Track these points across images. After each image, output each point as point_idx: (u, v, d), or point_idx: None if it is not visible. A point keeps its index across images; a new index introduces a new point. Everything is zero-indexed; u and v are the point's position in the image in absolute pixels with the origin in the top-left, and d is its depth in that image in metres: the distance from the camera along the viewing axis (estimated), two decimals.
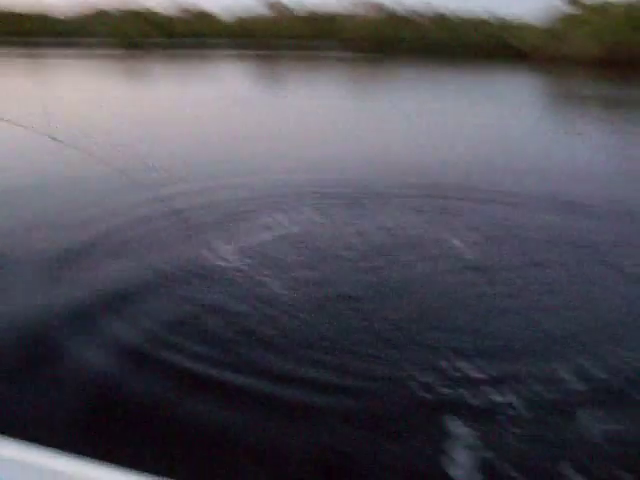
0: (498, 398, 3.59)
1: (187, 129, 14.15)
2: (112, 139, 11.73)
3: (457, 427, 3.32)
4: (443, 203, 8.04)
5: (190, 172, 9.46)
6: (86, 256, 5.84)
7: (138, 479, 1.17)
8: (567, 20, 58.45)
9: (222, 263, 5.65)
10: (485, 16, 74.71)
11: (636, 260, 6.03)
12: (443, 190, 8.68)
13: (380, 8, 77.96)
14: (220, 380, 3.79)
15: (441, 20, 75.77)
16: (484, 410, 3.48)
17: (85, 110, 16.95)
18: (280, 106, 20.43)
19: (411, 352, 4.16)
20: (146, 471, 1.20)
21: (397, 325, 4.56)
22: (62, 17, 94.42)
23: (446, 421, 3.37)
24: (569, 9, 58.29)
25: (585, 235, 6.75)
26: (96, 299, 4.93)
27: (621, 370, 3.94)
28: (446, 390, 3.69)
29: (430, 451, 3.17)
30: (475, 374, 3.86)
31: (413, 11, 77.71)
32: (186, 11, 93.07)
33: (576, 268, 5.77)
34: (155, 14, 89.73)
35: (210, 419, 3.44)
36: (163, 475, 1.24)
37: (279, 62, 45.69)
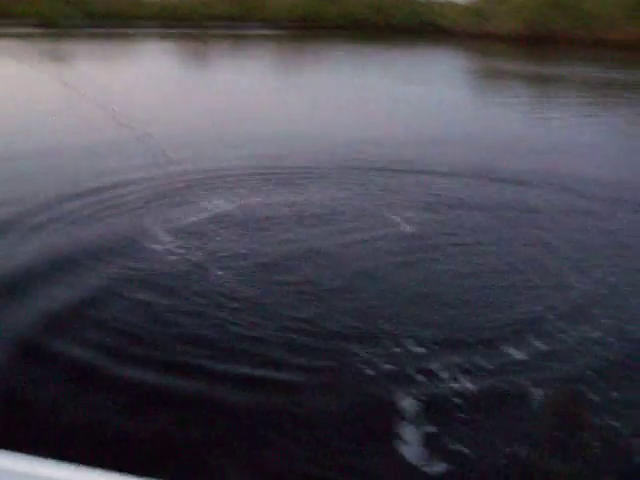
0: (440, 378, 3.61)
1: (111, 109, 13.84)
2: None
3: (408, 407, 3.35)
4: (378, 178, 8.19)
5: (117, 152, 9.33)
6: None
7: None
8: None
9: (153, 245, 5.60)
10: None
11: (572, 226, 6.44)
12: (376, 165, 8.85)
13: None
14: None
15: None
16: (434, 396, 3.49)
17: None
18: (204, 85, 20.22)
19: (351, 335, 4.15)
20: None
21: (334, 307, 4.55)
22: None
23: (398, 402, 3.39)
24: None
25: (518, 203, 7.12)
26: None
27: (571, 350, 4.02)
28: (391, 376, 3.67)
29: (380, 430, 3.20)
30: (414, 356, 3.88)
31: None
32: None
33: (512, 240, 5.99)
34: None
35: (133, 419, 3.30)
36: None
37: (204, 41, 44.89)
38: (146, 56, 32.64)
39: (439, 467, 2.95)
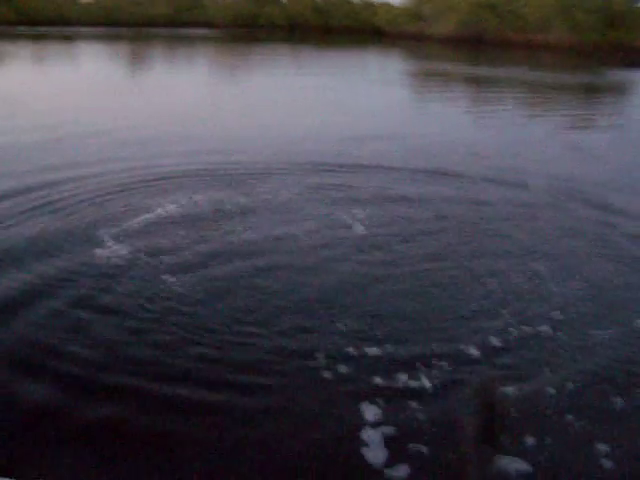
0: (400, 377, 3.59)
1: (44, 114, 13.35)
2: None
3: (368, 410, 3.31)
4: (324, 177, 8.18)
5: (54, 157, 8.95)
6: None
7: None
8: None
9: (101, 250, 5.38)
10: None
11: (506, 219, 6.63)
12: (321, 165, 8.83)
13: None
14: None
15: (306, 0, 76.21)
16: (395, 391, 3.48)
17: None
18: (138, 87, 19.78)
19: (299, 331, 4.12)
20: None
21: (286, 307, 4.49)
22: None
23: (357, 405, 3.35)
24: None
25: (457, 200, 7.27)
26: None
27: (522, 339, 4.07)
28: (346, 372, 3.66)
29: (342, 435, 3.14)
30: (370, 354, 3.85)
31: None
32: None
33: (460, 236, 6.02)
34: None
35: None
36: None
37: (139, 43, 44.04)
38: (78, 57, 31.72)
39: (401, 470, 2.92)
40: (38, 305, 4.38)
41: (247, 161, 8.98)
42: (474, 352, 3.93)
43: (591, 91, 22.16)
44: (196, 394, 3.48)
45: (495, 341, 4.06)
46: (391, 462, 2.96)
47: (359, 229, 6.19)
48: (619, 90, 22.93)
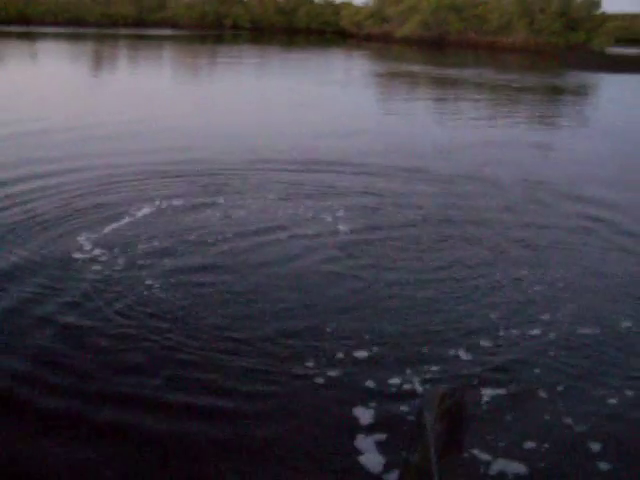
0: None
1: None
2: None
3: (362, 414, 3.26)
4: (299, 176, 8.15)
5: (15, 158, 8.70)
6: None
7: None
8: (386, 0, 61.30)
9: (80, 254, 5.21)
10: None
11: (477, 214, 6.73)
12: (291, 164, 8.82)
13: None
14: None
15: (269, 1, 76.03)
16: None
17: None
18: (101, 87, 19.41)
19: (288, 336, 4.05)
20: None
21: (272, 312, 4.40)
22: None
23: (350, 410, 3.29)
24: None
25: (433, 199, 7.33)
26: None
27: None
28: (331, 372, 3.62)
29: (335, 441, 3.07)
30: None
31: None
32: None
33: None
34: None
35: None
36: None
37: (100, 42, 43.29)
38: (39, 56, 31.01)
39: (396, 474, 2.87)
40: (26, 313, 4.25)
41: (221, 160, 8.90)
42: (463, 354, 3.91)
43: (553, 92, 22.58)
44: (184, 400, 3.39)
45: (485, 343, 4.05)
46: (386, 467, 2.91)
47: (343, 229, 6.16)
48: (579, 91, 23.39)
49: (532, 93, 21.50)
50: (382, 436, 3.12)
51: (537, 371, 3.76)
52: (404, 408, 3.34)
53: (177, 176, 7.92)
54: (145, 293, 4.59)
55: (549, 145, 11.87)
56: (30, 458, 2.94)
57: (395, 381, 3.59)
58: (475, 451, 3.03)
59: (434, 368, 3.73)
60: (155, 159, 8.83)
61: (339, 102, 17.29)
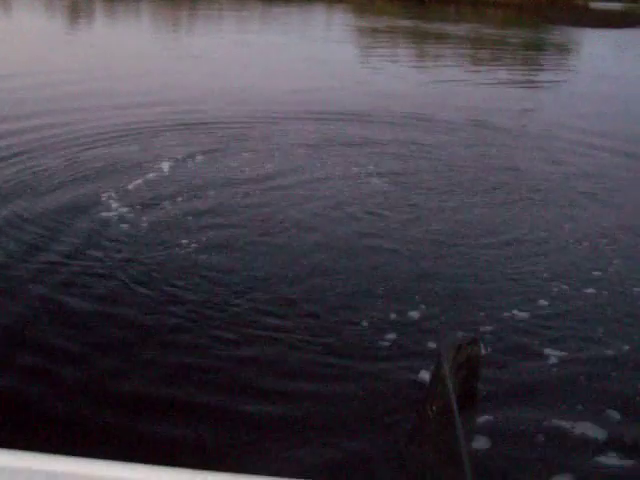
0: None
1: None
2: None
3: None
4: (314, 126, 8.15)
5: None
6: None
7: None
8: None
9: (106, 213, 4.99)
10: None
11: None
12: (304, 115, 8.80)
13: None
14: None
15: None
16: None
17: None
18: (81, 41, 18.80)
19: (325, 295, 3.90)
20: None
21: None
22: None
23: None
24: None
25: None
26: None
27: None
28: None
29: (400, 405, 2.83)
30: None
31: None
32: None
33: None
34: None
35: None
36: None
37: None
38: (14, 8, 29.98)
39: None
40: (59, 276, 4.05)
41: (230, 113, 8.78)
42: (520, 314, 3.76)
43: (536, 47, 22.45)
44: (225, 368, 3.20)
45: (542, 301, 3.92)
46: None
47: (374, 180, 6.09)
48: (563, 47, 23.25)
49: (515, 47, 21.35)
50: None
51: (600, 331, 3.62)
52: None
53: (191, 129, 7.74)
54: (179, 252, 4.40)
55: (532, 98, 11.98)
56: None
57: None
58: (546, 415, 2.88)
59: (490, 328, 3.56)
60: (162, 113, 8.60)
61: (332, 57, 16.95)
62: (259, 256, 4.44)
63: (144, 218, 4.95)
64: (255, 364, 3.21)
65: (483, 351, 3.12)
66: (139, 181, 5.76)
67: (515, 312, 3.77)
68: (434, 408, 2.39)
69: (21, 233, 4.62)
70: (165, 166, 6.21)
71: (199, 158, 6.58)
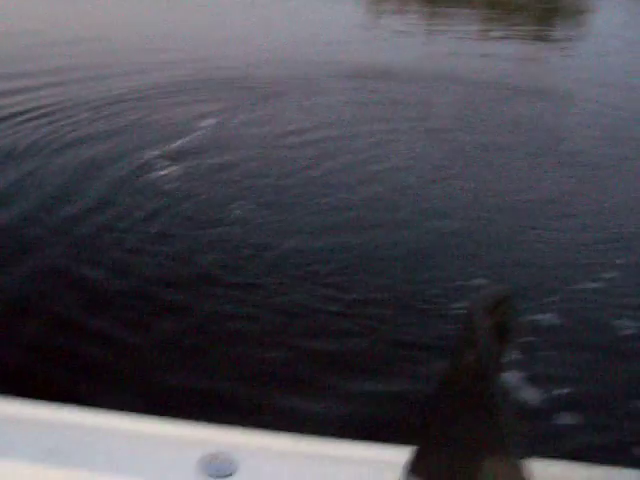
0: None
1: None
2: None
3: None
4: (351, 83, 8.15)
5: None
6: None
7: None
8: None
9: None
10: None
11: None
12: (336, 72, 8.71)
13: None
14: None
15: None
16: None
17: None
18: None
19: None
20: None
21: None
22: None
23: None
24: None
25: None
26: None
27: None
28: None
29: None
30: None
31: None
32: None
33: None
34: None
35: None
36: None
37: None
38: None
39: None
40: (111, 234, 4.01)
41: (261, 70, 8.68)
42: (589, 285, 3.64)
43: (548, 12, 22.03)
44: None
45: (611, 274, 3.77)
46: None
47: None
48: (576, 12, 22.77)
49: (527, 12, 20.99)
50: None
51: None
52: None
53: (228, 85, 7.67)
54: (230, 214, 4.31)
55: (543, 59, 11.94)
56: None
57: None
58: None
59: (558, 298, 3.45)
60: (193, 69, 8.49)
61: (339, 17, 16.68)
62: (310, 212, 4.39)
63: (184, 172, 4.92)
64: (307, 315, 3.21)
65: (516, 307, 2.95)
66: (181, 136, 5.73)
67: (584, 284, 3.65)
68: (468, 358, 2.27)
69: (64, 185, 4.63)
70: (204, 123, 6.16)
71: (238, 114, 6.53)
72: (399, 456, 0.93)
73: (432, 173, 5.22)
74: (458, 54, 11.19)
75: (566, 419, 2.55)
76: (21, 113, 6.17)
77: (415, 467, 0.85)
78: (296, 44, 11.53)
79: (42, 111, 6.22)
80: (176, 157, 5.23)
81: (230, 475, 1.03)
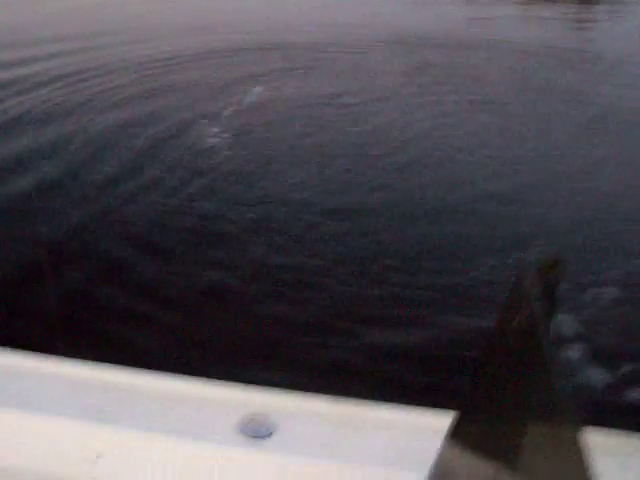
0: None
1: None
2: None
3: None
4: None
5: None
6: None
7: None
8: None
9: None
10: None
11: None
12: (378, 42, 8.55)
13: None
14: None
15: None
16: None
17: None
18: None
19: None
20: None
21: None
22: None
23: None
24: None
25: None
26: None
27: None
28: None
29: None
30: None
31: None
32: None
33: None
34: None
35: None
36: None
37: None
38: None
39: None
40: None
41: (306, 38, 8.54)
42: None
43: None
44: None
45: None
46: None
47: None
48: None
49: None
50: None
51: None
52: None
53: (277, 53, 7.60)
54: (282, 183, 4.32)
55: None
56: None
57: None
58: None
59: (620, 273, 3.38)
60: (241, 38, 8.42)
61: None
62: (359, 177, 4.40)
63: (235, 136, 4.99)
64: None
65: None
66: (229, 103, 5.76)
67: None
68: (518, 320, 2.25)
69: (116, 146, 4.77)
70: (253, 89, 6.17)
71: (286, 81, 6.53)
72: (441, 421, 0.91)
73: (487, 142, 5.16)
74: (501, 18, 10.89)
75: (632, 395, 2.52)
76: (66, 76, 6.29)
77: (457, 433, 0.82)
78: (337, 10, 11.32)
79: (91, 73, 6.40)
80: (225, 119, 5.32)
81: (269, 436, 1.03)
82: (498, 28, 10.07)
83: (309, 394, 1.12)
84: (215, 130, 5.08)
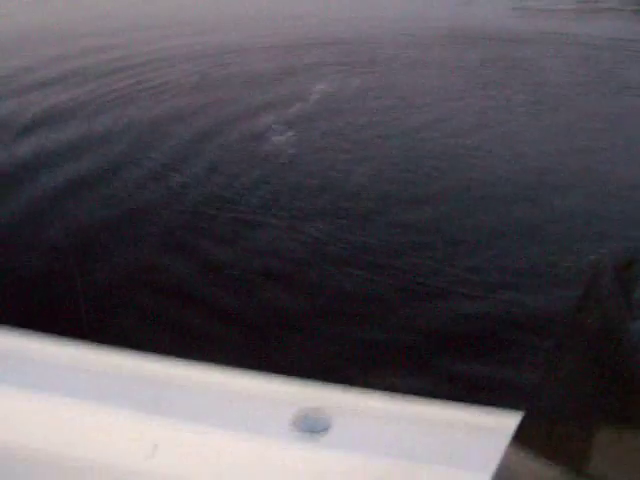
0: None
1: None
2: None
3: None
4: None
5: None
6: None
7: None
8: None
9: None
10: None
11: None
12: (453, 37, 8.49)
13: None
14: None
15: None
16: None
17: None
18: None
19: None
20: None
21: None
22: None
23: None
24: None
25: None
26: None
27: None
28: None
29: None
30: None
31: None
32: None
33: None
34: None
35: None
36: None
37: None
38: None
39: None
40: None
41: (363, 34, 8.46)
42: None
43: None
44: None
45: None
46: None
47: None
48: None
49: None
50: None
51: None
52: None
53: (337, 48, 7.58)
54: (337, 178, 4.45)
55: None
56: None
57: None
58: None
59: None
60: (301, 33, 8.52)
61: None
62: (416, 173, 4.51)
63: (298, 132, 5.09)
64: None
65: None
66: (292, 99, 5.81)
67: None
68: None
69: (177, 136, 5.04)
70: (312, 86, 6.20)
71: (343, 78, 6.54)
72: (506, 421, 0.87)
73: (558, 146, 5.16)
74: (560, 11, 10.55)
75: None
76: (131, 67, 6.57)
77: (523, 434, 0.78)
78: (382, 5, 11.23)
79: (156, 64, 6.67)
80: (281, 113, 5.42)
81: (324, 431, 1.02)
82: (562, 21, 9.79)
83: (366, 390, 1.11)
84: (282, 127, 5.17)
